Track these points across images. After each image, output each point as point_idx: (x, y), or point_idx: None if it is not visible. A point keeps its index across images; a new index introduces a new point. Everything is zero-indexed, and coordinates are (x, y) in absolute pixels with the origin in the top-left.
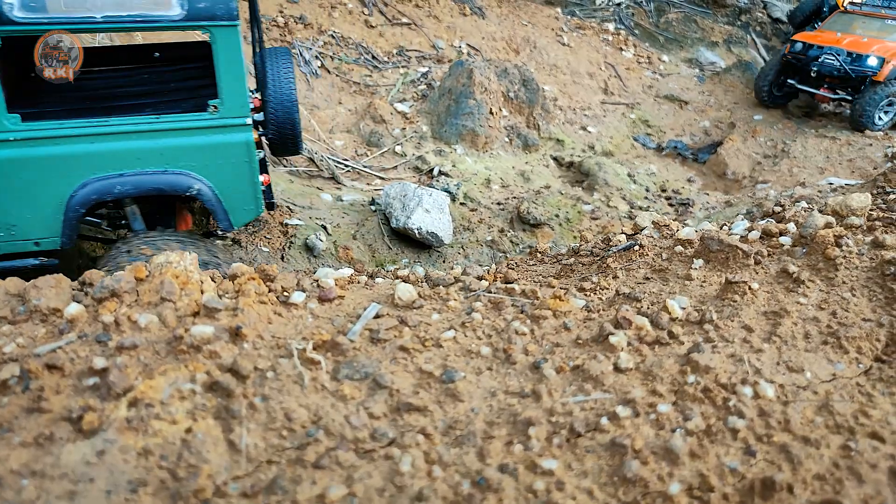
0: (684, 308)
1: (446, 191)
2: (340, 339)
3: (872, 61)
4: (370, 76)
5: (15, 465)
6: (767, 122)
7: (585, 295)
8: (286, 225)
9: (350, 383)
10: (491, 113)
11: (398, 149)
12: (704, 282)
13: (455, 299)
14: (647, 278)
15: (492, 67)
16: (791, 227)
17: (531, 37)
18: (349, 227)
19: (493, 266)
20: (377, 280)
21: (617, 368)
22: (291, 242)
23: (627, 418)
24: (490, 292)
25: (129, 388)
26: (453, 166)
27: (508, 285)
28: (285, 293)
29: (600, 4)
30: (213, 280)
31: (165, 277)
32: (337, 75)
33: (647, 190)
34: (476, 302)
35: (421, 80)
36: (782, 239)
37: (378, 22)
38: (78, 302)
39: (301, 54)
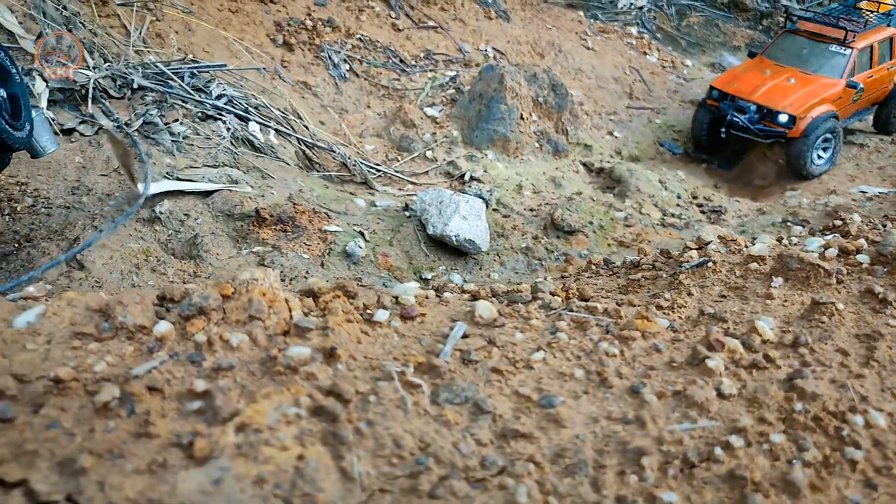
0: (774, 330)
1: (479, 197)
2: (437, 361)
3: (782, 118)
4: (398, 80)
5: (131, 494)
6: None
7: (664, 313)
8: (325, 231)
9: (451, 408)
10: (521, 118)
11: (429, 154)
12: (786, 301)
13: (536, 318)
14: (724, 296)
15: (521, 72)
16: (863, 243)
17: (556, 41)
18: (385, 233)
19: (561, 282)
20: (445, 294)
21: (720, 394)
22: (331, 249)
23: (741, 448)
24: (571, 311)
25: (235, 412)
26: (485, 172)
27: (588, 303)
28: (368, 311)
29: (622, 8)
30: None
31: (254, 295)
32: (365, 79)
33: (679, 197)
34: (559, 321)
35: (449, 84)
36: (859, 257)
37: (405, 25)
38: (161, 318)
39: (330, 57)
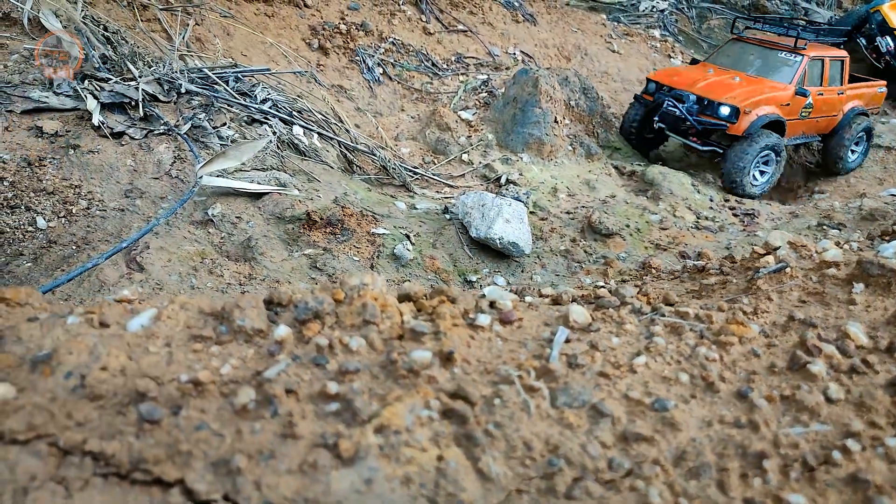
0: (867, 337)
1: (517, 199)
2: (551, 365)
3: (724, 111)
4: (431, 83)
5: (288, 493)
6: None
7: (749, 318)
8: (373, 234)
9: (571, 411)
10: (555, 121)
11: (465, 157)
12: (869, 307)
13: (629, 322)
14: (804, 301)
15: (554, 76)
16: None
17: (581, 44)
18: (428, 235)
19: (636, 287)
20: (528, 298)
21: (828, 399)
22: (379, 252)
23: (857, 451)
24: (663, 315)
25: (373, 414)
26: (520, 175)
27: (678, 308)
28: (469, 315)
29: (644, 11)
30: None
31: (367, 300)
32: (399, 82)
33: (711, 200)
34: (653, 326)
35: (481, 87)
36: None
37: (435, 29)
38: (273, 321)
39: (364, 61)
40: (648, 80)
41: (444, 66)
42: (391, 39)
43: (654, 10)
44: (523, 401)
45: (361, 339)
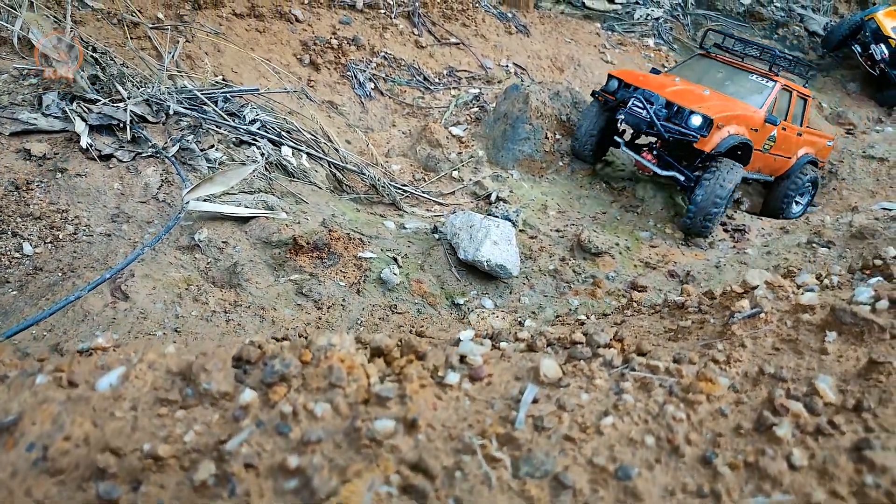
0: (836, 392)
1: (507, 218)
2: (515, 433)
3: (695, 120)
4: (422, 98)
5: None
6: None
7: (722, 369)
8: (360, 258)
9: (533, 482)
10: (546, 137)
11: (455, 174)
12: (841, 357)
13: (600, 377)
14: (777, 349)
15: (545, 91)
16: None
17: (575, 54)
18: (416, 257)
19: (612, 329)
20: (502, 344)
21: (791, 465)
22: (366, 276)
23: None
24: (634, 369)
25: (331, 491)
26: (511, 192)
27: (649, 361)
28: (438, 373)
29: (639, 19)
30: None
31: (334, 363)
32: (390, 97)
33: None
34: (623, 381)
35: (473, 102)
36: None
37: (427, 42)
38: (241, 381)
39: (355, 76)
40: (610, 77)
41: (436, 79)
42: (383, 53)
43: (649, 17)
44: (484, 473)
45: (326, 404)
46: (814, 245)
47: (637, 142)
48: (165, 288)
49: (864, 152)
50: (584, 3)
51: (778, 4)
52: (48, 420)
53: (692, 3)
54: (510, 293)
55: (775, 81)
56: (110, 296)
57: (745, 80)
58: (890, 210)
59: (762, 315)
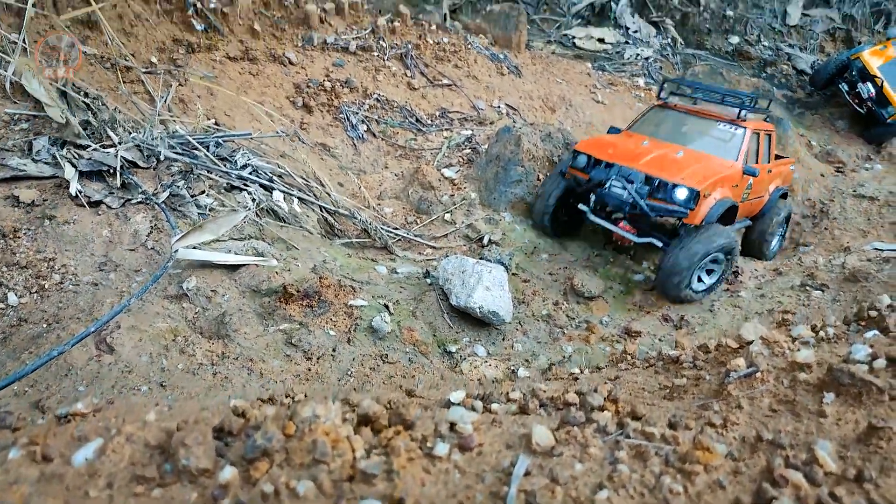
0: (836, 459)
1: (500, 262)
2: None
3: (680, 194)
4: (415, 139)
5: None
6: (805, 179)
7: (718, 433)
8: (351, 306)
9: None
10: (538, 179)
11: (447, 216)
12: (840, 420)
13: (594, 445)
14: (774, 410)
15: (537, 132)
16: None
17: (566, 95)
18: (408, 303)
19: (606, 386)
20: (493, 405)
21: None
22: (357, 324)
23: None
24: (629, 437)
25: None
26: (503, 235)
27: (644, 428)
28: (427, 443)
29: (629, 59)
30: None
31: (318, 437)
32: (382, 139)
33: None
34: (618, 451)
35: (465, 143)
36: None
37: (420, 84)
38: (221, 455)
39: (348, 118)
40: (576, 153)
41: (429, 121)
42: (375, 95)
43: (639, 57)
44: None
45: (310, 481)
46: (807, 288)
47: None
48: (152, 339)
49: (854, 191)
50: (574, 44)
51: (766, 44)
52: (20, 501)
53: (681, 43)
54: (503, 339)
55: (745, 129)
56: (95, 349)
57: (714, 130)
58: (882, 251)
59: (758, 374)
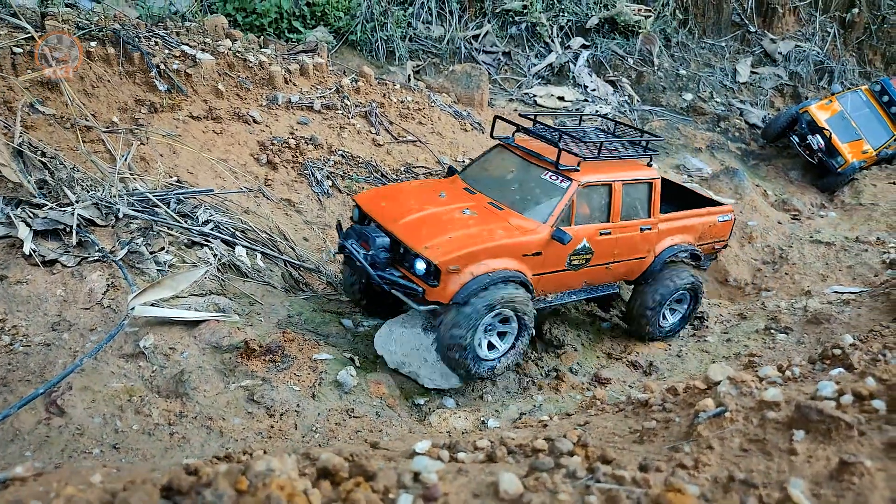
0: (810, 498)
1: None
2: None
3: (419, 266)
4: None
5: None
6: (763, 227)
7: (690, 475)
8: (315, 360)
9: None
10: None
11: None
12: (811, 457)
13: (563, 490)
14: (745, 450)
15: None
16: (871, 382)
17: None
18: (374, 355)
19: (576, 432)
20: (459, 454)
21: None
22: (322, 379)
23: None
24: (599, 481)
25: None
26: None
27: (615, 471)
28: (389, 495)
29: (588, 115)
30: (313, 486)
31: (272, 491)
32: (348, 194)
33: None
34: (588, 496)
35: None
36: (875, 403)
37: (385, 140)
38: None
39: (313, 174)
40: (356, 205)
41: (394, 175)
42: (340, 152)
43: (598, 113)
44: None
45: None
46: (772, 331)
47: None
48: (105, 400)
49: (811, 237)
50: (536, 102)
51: (718, 100)
52: None
53: (637, 100)
54: (472, 391)
55: (570, 181)
56: (45, 411)
57: (536, 181)
58: (842, 293)
59: (727, 414)
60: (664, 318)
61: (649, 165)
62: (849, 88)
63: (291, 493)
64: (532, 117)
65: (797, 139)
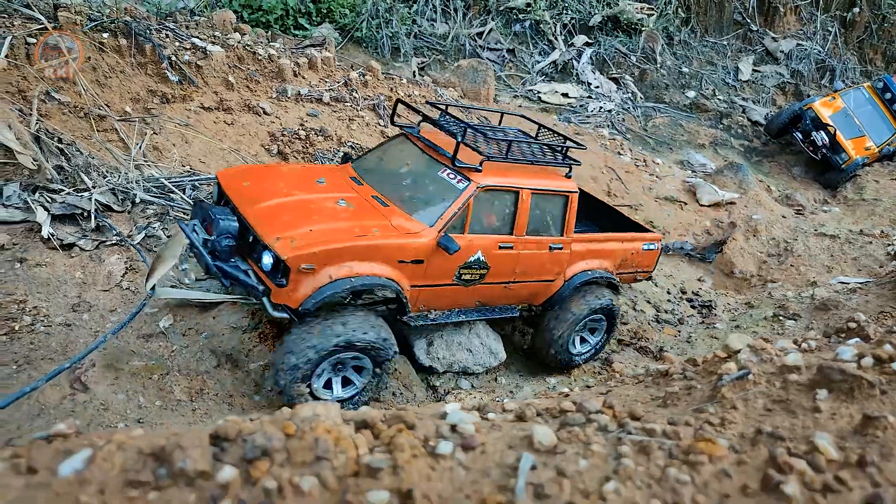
0: (837, 449)
1: None
2: (518, 502)
3: (266, 260)
4: None
5: None
6: (767, 220)
7: (717, 431)
8: None
9: None
10: None
11: None
12: (835, 414)
13: (596, 442)
14: (769, 409)
15: None
16: (890, 349)
17: None
18: None
19: (600, 398)
20: (490, 415)
21: None
22: None
23: None
24: (630, 433)
25: None
26: None
27: (645, 425)
28: (429, 443)
29: (592, 111)
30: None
31: (319, 434)
32: None
33: (669, 293)
34: (621, 446)
35: None
36: (895, 365)
37: (393, 132)
38: (218, 460)
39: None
40: (217, 182)
41: None
42: (350, 143)
43: (602, 110)
44: None
45: (313, 478)
46: (780, 318)
47: None
48: (128, 378)
49: (815, 230)
50: (540, 98)
51: (721, 97)
52: None
53: (641, 97)
54: (486, 374)
55: (469, 181)
56: (69, 387)
57: (434, 178)
58: (848, 283)
59: (750, 377)
60: (574, 344)
61: (568, 177)
62: (851, 86)
63: (338, 437)
64: (443, 107)
65: (801, 135)
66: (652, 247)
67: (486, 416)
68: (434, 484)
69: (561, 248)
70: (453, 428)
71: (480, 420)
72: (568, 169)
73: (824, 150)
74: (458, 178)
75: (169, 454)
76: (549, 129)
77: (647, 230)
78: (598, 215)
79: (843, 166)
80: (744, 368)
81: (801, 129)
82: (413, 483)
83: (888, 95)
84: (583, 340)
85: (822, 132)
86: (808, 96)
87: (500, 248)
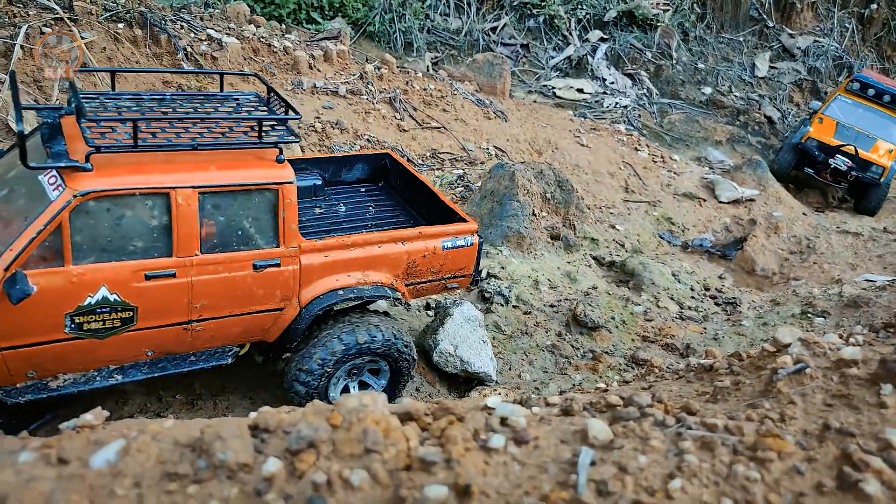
0: None
1: (500, 294)
2: (582, 498)
3: None
4: None
5: None
6: (788, 218)
7: (779, 427)
8: None
9: None
10: (533, 214)
11: None
12: None
13: (655, 437)
14: (829, 405)
15: (530, 170)
16: None
17: (552, 138)
18: (413, 334)
19: (646, 392)
20: (534, 409)
21: None
22: None
23: None
24: (690, 428)
25: None
26: (501, 268)
27: (704, 420)
28: (481, 436)
29: (608, 107)
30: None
31: (368, 426)
32: None
33: (692, 289)
34: (682, 442)
35: (457, 182)
36: None
37: (409, 126)
38: (259, 451)
39: None
40: None
41: (420, 161)
42: (366, 137)
43: (618, 106)
44: None
45: (363, 471)
46: (808, 315)
47: None
48: None
49: (838, 227)
50: (555, 93)
51: (737, 94)
52: (39, 499)
53: (656, 94)
54: (510, 369)
55: (64, 188)
56: None
57: (34, 183)
58: (875, 281)
59: (807, 371)
60: (332, 387)
61: (279, 161)
62: (825, 99)
63: (388, 428)
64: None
65: (813, 171)
66: (461, 243)
67: (531, 409)
68: (490, 479)
69: (278, 264)
70: (503, 421)
71: (530, 413)
72: (279, 151)
73: (854, 173)
74: (55, 182)
75: (208, 445)
76: (279, 96)
77: (461, 219)
78: (418, 199)
79: (880, 180)
80: (800, 362)
81: (812, 163)
82: (469, 478)
83: (871, 92)
84: (363, 385)
85: (840, 156)
86: (824, 93)
87: (150, 277)
